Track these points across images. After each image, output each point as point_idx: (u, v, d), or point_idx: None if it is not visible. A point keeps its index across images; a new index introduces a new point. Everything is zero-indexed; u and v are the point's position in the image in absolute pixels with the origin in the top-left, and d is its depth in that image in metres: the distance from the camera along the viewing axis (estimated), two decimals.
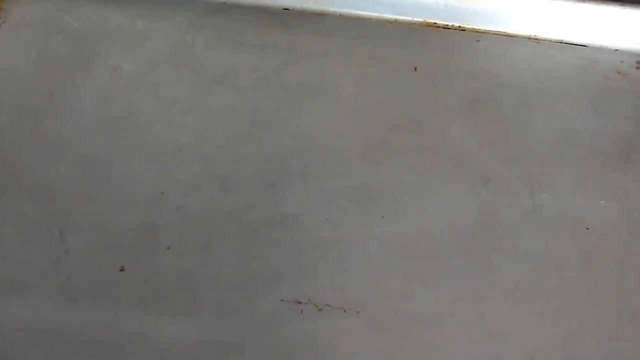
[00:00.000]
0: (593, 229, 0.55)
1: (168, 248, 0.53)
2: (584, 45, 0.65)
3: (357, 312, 0.52)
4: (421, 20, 0.66)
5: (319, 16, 0.66)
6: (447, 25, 0.66)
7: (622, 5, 0.63)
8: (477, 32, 0.65)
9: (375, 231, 0.55)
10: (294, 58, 0.62)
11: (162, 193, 0.56)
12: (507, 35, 0.65)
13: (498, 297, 0.53)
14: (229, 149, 0.58)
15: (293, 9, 0.66)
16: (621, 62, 0.64)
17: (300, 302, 0.51)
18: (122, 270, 0.52)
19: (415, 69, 0.63)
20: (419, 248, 0.54)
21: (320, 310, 0.51)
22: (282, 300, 0.51)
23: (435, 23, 0.66)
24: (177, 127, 0.59)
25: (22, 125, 0.58)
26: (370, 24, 0.65)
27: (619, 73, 0.64)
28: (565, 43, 0.65)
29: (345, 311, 0.52)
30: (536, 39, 0.65)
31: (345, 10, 0.65)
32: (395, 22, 0.66)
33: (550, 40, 0.65)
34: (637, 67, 0.64)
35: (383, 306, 0.52)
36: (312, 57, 0.62)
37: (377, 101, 0.60)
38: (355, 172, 0.57)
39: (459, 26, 0.66)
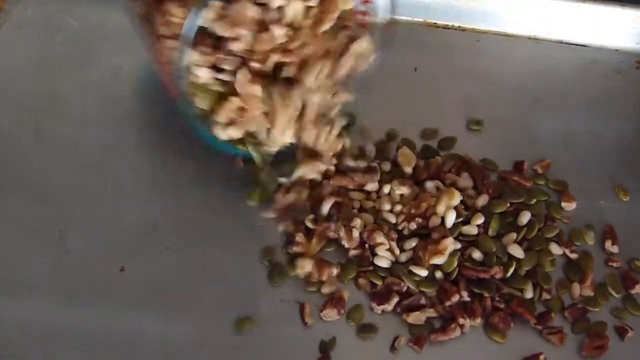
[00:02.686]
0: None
1: (168, 248, 0.53)
2: (584, 45, 0.65)
3: None
4: (421, 20, 0.66)
5: None
6: (447, 25, 0.66)
7: (622, 5, 0.63)
8: (477, 32, 0.65)
9: None
10: None
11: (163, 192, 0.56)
12: (507, 35, 0.65)
13: None
14: None
15: None
16: (621, 62, 0.64)
17: (300, 302, 0.51)
18: (122, 270, 0.52)
19: (415, 69, 0.63)
20: None
21: (321, 310, 0.51)
22: (282, 301, 0.51)
23: (435, 23, 0.66)
24: None
25: (22, 125, 0.58)
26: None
27: (619, 73, 0.64)
28: (565, 43, 0.65)
29: None
30: (536, 39, 0.65)
31: None
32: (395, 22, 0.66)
33: (550, 40, 0.65)
34: (637, 67, 0.64)
35: None
36: None
37: (378, 101, 0.60)
38: None
39: (459, 26, 0.66)
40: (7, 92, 0.60)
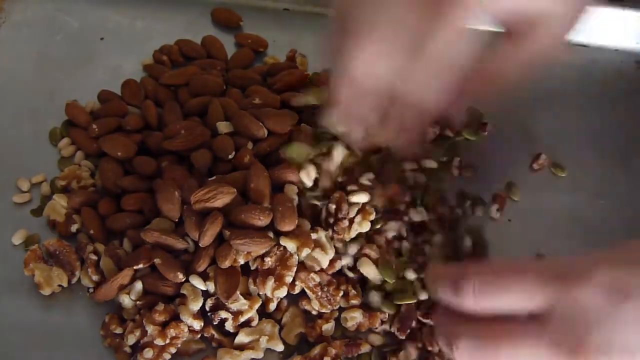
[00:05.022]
0: (593, 229, 0.55)
1: None
2: (584, 45, 0.65)
3: None
4: None
5: (319, 16, 0.66)
6: None
7: (622, 5, 0.63)
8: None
9: None
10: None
11: None
12: None
13: None
14: None
15: (293, 9, 0.66)
16: (621, 62, 0.64)
17: None
18: None
19: None
20: None
21: None
22: None
23: None
24: None
25: (22, 125, 0.58)
26: None
27: (619, 73, 0.64)
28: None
29: None
30: None
31: None
32: None
33: None
34: (637, 67, 0.64)
35: None
36: (312, 57, 0.62)
37: None
38: None
39: None
40: (7, 92, 0.60)
